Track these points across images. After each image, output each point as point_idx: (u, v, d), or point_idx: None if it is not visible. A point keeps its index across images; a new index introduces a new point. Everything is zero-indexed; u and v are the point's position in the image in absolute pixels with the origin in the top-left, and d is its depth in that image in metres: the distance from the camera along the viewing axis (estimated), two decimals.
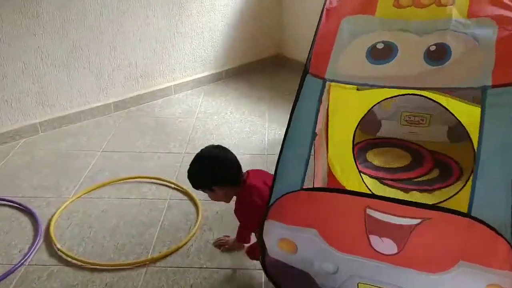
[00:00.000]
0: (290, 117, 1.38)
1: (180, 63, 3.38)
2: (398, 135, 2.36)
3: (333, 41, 1.37)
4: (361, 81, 1.36)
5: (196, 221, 2.08)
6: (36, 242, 1.94)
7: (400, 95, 1.70)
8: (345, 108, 1.76)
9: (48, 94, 2.81)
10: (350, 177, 1.89)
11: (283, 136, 1.38)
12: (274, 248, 1.40)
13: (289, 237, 1.36)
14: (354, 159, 1.87)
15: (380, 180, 2.05)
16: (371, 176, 2.03)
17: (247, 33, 3.70)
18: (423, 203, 1.24)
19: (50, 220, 2.07)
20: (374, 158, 2.25)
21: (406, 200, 1.24)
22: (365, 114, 1.80)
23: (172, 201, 2.23)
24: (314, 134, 1.36)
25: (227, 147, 1.78)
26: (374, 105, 1.78)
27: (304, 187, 1.33)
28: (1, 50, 2.55)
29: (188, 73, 3.46)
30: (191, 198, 2.23)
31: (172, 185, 2.34)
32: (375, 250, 1.25)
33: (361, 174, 1.92)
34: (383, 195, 1.37)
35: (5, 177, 2.40)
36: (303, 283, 1.43)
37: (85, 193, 2.26)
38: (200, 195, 2.24)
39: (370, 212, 1.24)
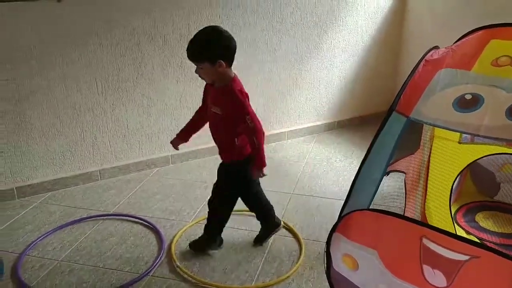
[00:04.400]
0: (370, 146, 1.52)
1: (295, 112, 3.65)
2: None
3: (424, 87, 1.49)
4: (444, 124, 1.43)
5: (299, 258, 2.23)
6: (159, 258, 2.24)
7: (505, 153, 1.71)
8: (446, 158, 1.82)
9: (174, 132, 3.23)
10: (441, 224, 1.90)
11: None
12: (338, 262, 1.48)
13: (352, 253, 1.43)
14: (450, 211, 1.89)
15: (481, 240, 2.02)
16: (468, 233, 2.01)
17: (363, 88, 3.87)
18: (473, 240, 1.25)
19: (172, 240, 2.37)
20: (483, 220, 2.21)
21: (458, 235, 1.26)
22: (464, 168, 1.83)
23: (277, 236, 2.41)
24: (388, 164, 1.46)
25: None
26: (475, 161, 1.80)
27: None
28: (149, 93, 3.05)
29: (302, 121, 3.71)
30: (296, 236, 2.39)
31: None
32: (426, 280, 1.27)
33: (456, 225, 1.92)
34: None
35: (140, 199, 2.81)
36: None
37: (202, 219, 2.54)
38: (304, 234, 2.39)
39: (426, 242, 1.27)
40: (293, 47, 3.44)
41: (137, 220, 2.58)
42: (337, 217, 1.50)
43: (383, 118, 1.54)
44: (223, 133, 2.09)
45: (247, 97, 2.01)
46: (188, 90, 3.15)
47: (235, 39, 1.94)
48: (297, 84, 3.58)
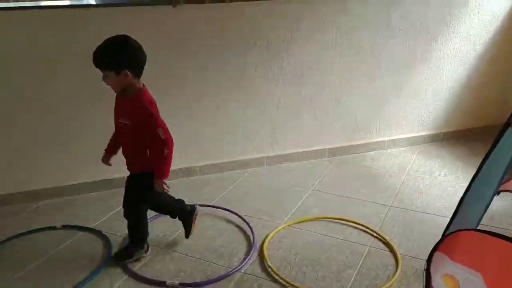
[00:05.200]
0: (482, 162, 1.42)
1: (398, 120, 3.50)
2: None
3: None
4: None
5: (395, 273, 2.12)
6: (250, 255, 2.27)
7: None
8: None
9: (277, 134, 3.26)
10: None
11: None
12: (438, 281, 1.40)
13: (454, 274, 1.36)
14: None
15: None
16: None
17: (472, 99, 3.60)
18: None
19: (264, 240, 2.38)
20: None
21: None
22: None
23: (372, 248, 2.32)
24: (499, 183, 1.38)
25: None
26: None
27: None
28: (251, 98, 3.10)
29: (404, 130, 3.54)
30: (392, 251, 2.28)
31: (375, 234, 2.43)
32: None
33: None
34: None
35: (234, 196, 2.88)
36: None
37: (295, 223, 2.53)
38: (402, 250, 2.28)
39: None
40: (400, 54, 3.30)
41: (233, 215, 2.63)
42: (441, 234, 1.42)
43: (493, 132, 1.45)
44: (132, 144, 2.05)
45: (155, 106, 1.98)
46: (286, 93, 3.16)
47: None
48: (402, 91, 3.42)
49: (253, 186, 3.00)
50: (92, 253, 2.31)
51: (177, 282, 2.08)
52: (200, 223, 2.47)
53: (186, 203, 2.39)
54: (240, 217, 2.61)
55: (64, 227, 2.51)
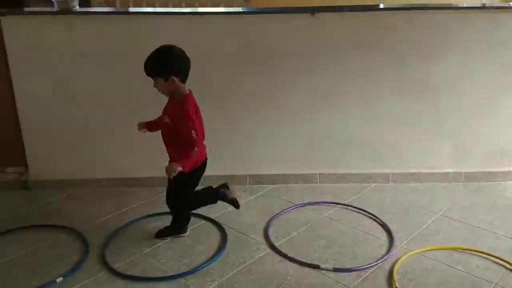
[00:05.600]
0: None
1: None
2: None
3: None
4: None
5: None
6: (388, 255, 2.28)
7: None
8: None
9: (406, 150, 3.11)
10: None
11: None
12: None
13: None
14: None
15: None
16: None
17: None
18: None
19: (395, 263, 2.24)
20: None
21: None
22: None
23: (499, 287, 2.07)
24: None
25: None
26: None
27: None
28: (376, 111, 3.01)
29: None
30: None
31: (507, 265, 2.18)
32: None
33: None
34: None
35: (353, 209, 2.81)
36: None
37: (423, 251, 2.34)
38: None
39: None
40: None
41: (369, 217, 2.68)
42: None
43: None
44: (173, 145, 2.24)
45: (198, 114, 2.19)
46: (418, 109, 3.00)
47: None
48: None
49: (375, 202, 2.90)
50: (209, 241, 2.47)
51: (330, 267, 2.20)
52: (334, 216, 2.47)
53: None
54: (379, 220, 2.63)
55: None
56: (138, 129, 2.37)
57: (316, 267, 2.23)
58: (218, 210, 2.76)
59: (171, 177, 2.12)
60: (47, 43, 2.81)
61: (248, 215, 2.73)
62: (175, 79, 2.11)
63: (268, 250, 2.38)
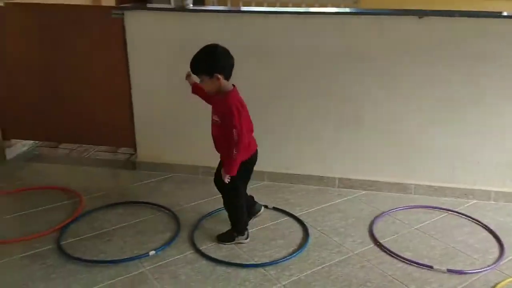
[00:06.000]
0: None
1: None
2: None
3: None
4: None
5: None
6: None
7: None
8: None
9: (504, 167, 2.89)
10: None
11: None
12: None
13: None
14: None
15: None
16: None
17: None
18: None
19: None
20: None
21: None
22: None
23: None
24: None
25: None
26: None
27: None
28: (482, 120, 2.83)
29: None
30: None
31: None
32: None
33: None
34: None
35: (446, 223, 2.69)
36: None
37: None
38: None
39: None
40: None
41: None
42: None
43: None
44: (221, 141, 2.29)
45: (242, 108, 2.20)
46: None
47: None
48: None
49: (471, 220, 2.72)
50: (291, 237, 2.52)
51: (444, 268, 2.23)
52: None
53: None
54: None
55: (274, 208, 2.81)
56: (186, 78, 2.43)
57: (429, 267, 2.24)
58: (304, 208, 2.80)
59: (227, 183, 2.27)
60: (162, 37, 3.07)
61: (332, 217, 2.73)
62: (220, 76, 2.17)
63: (366, 248, 2.41)
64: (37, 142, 3.74)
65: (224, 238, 2.46)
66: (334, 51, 2.87)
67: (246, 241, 2.45)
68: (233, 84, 2.28)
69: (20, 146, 3.62)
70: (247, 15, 3.02)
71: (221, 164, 2.38)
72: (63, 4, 3.38)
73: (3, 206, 2.85)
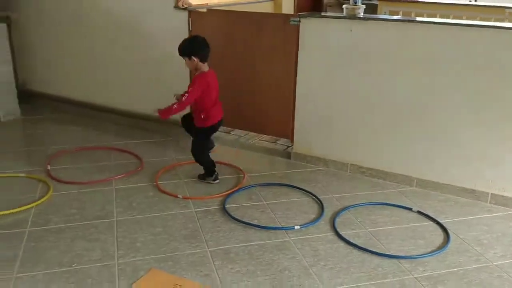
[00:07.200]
0: None
1: None
2: None
3: None
4: None
5: None
6: None
7: None
8: None
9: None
10: None
11: None
12: None
13: None
14: None
15: None
16: None
17: None
18: None
19: None
20: None
21: None
22: None
23: None
24: None
25: None
26: None
27: None
28: None
29: None
30: None
31: None
32: None
33: None
34: None
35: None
36: None
37: None
38: None
39: None
40: None
41: None
42: None
43: None
44: (192, 107, 3.14)
45: (204, 83, 2.94)
46: None
47: None
48: None
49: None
50: (431, 239, 2.57)
51: None
52: None
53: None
54: None
55: (419, 212, 2.88)
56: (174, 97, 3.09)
57: None
58: (449, 216, 2.82)
59: (155, 113, 2.98)
60: (330, 42, 3.37)
61: (477, 228, 2.71)
62: (195, 59, 2.92)
63: (508, 261, 2.38)
64: None
65: (200, 177, 3.22)
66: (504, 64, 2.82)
67: (215, 182, 3.19)
68: (210, 68, 3.00)
69: None
70: (412, 25, 3.12)
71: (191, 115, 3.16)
72: (253, 12, 3.97)
73: (185, 173, 3.47)
